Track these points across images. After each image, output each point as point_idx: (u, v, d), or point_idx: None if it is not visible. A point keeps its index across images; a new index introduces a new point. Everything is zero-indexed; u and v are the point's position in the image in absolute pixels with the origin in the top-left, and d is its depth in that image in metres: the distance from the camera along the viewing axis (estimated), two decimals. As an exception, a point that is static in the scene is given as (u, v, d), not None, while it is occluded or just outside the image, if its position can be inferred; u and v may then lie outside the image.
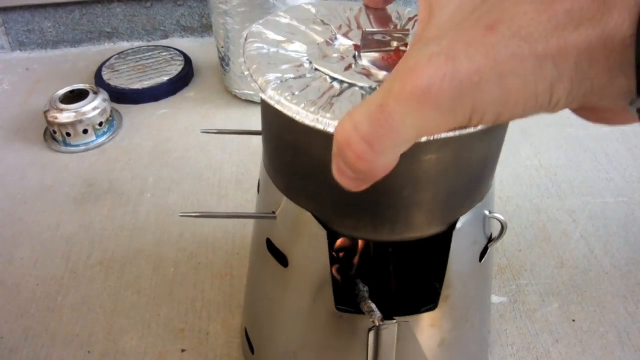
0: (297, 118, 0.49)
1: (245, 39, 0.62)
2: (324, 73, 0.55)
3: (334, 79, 0.54)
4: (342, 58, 0.58)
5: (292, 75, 0.55)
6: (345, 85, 0.53)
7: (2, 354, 0.89)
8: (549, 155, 1.32)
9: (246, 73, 0.56)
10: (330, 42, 0.61)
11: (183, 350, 0.89)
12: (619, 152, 1.33)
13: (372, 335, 0.62)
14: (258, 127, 0.67)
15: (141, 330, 0.92)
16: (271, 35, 0.62)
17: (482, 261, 0.66)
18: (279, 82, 0.54)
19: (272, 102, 0.51)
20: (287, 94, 0.51)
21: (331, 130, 0.48)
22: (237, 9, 1.28)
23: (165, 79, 1.52)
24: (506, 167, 1.28)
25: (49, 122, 1.30)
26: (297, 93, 0.52)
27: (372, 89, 0.53)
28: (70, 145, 1.32)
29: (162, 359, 0.88)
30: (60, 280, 1.01)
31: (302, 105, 0.50)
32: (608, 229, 1.13)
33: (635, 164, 1.30)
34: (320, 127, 0.48)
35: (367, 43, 0.57)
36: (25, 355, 0.89)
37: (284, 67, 0.56)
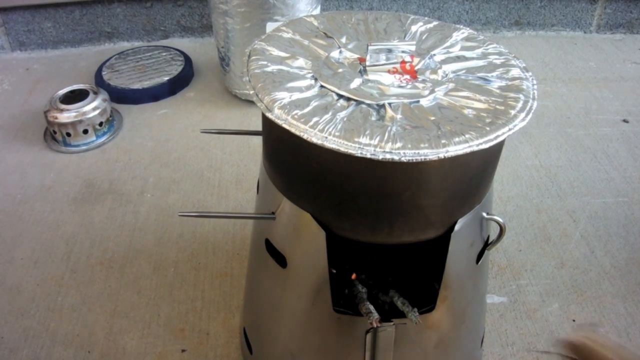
0: (305, 137, 0.50)
1: (249, 56, 0.61)
2: (329, 90, 0.55)
3: (340, 96, 0.54)
4: (348, 73, 0.58)
5: (297, 93, 0.55)
6: (352, 102, 0.53)
7: (2, 354, 0.89)
8: (549, 155, 1.32)
9: (251, 92, 0.56)
10: (334, 56, 0.61)
11: (183, 350, 0.89)
12: (619, 152, 1.33)
13: (369, 337, 0.62)
14: (258, 127, 0.67)
15: (141, 330, 0.92)
16: (274, 51, 0.61)
17: (479, 263, 0.66)
18: (284, 100, 0.53)
19: (279, 122, 0.51)
20: (293, 113, 0.51)
21: (341, 149, 0.48)
22: (237, 9, 1.28)
23: (165, 79, 1.52)
24: (506, 167, 1.28)
25: (49, 122, 1.30)
26: (303, 111, 0.52)
27: (379, 106, 0.53)
28: (70, 145, 1.32)
29: (162, 359, 0.88)
30: (60, 280, 1.01)
31: (310, 124, 0.50)
32: (608, 229, 1.13)
33: (635, 164, 1.30)
34: (328, 145, 0.48)
35: (372, 57, 0.57)
36: (25, 355, 0.89)
37: (289, 84, 0.56)
